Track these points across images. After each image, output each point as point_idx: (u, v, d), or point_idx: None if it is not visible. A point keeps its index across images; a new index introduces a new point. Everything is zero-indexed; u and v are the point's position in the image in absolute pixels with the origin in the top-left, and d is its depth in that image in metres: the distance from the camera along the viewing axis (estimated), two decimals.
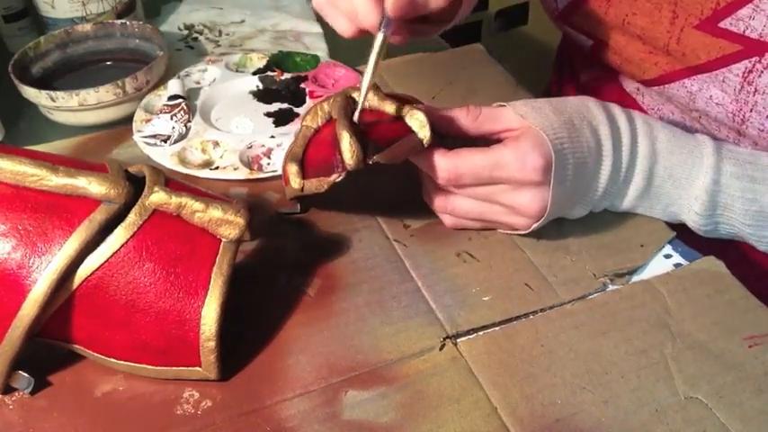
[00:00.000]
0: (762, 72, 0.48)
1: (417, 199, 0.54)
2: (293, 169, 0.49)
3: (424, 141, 0.47)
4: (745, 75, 0.49)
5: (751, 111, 0.49)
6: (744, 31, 0.48)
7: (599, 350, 0.45)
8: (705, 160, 0.48)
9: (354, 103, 0.49)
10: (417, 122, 0.47)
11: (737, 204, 0.49)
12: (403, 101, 0.50)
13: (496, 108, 0.49)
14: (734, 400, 0.42)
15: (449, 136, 0.49)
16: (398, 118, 0.48)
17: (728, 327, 0.46)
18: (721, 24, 0.49)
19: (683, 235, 0.53)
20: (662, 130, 0.50)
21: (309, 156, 0.50)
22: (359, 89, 0.50)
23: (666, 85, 0.55)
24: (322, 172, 0.48)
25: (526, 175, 0.46)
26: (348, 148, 0.45)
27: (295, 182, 0.49)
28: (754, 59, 0.48)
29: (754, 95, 0.49)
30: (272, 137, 0.63)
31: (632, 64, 0.57)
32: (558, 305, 0.48)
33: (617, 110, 0.50)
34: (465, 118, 0.48)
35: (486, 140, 0.49)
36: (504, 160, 0.46)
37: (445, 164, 0.47)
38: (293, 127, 0.64)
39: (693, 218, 0.50)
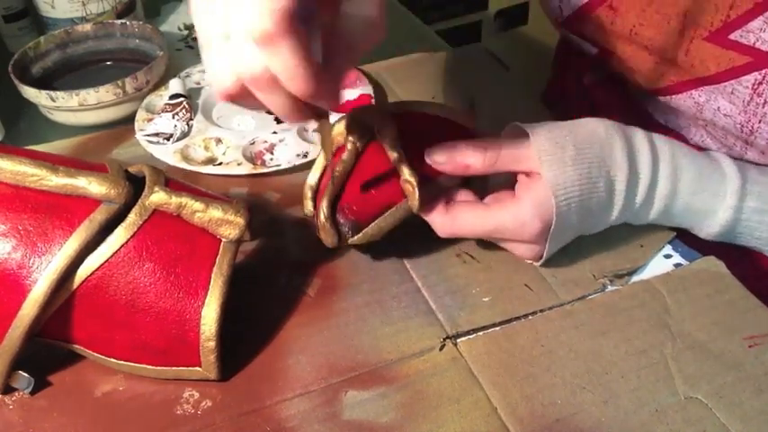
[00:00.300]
0: None
1: None
2: (308, 194, 0.51)
3: (414, 209, 0.46)
4: (755, 87, 0.48)
5: (760, 122, 0.49)
6: (754, 44, 0.47)
7: (599, 350, 0.45)
8: (728, 200, 0.48)
9: (367, 128, 0.48)
10: (408, 188, 0.46)
11: (756, 233, 0.49)
12: (407, 149, 0.47)
13: (517, 148, 0.47)
14: (734, 400, 0.42)
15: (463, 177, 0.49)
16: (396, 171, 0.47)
17: (728, 327, 0.46)
18: (731, 36, 0.49)
19: (683, 235, 0.53)
20: (687, 170, 0.48)
21: (320, 189, 0.51)
22: (371, 112, 0.49)
23: (674, 96, 0.55)
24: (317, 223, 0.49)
25: (522, 237, 0.47)
26: (323, 232, 0.47)
27: (308, 208, 0.51)
28: (764, 71, 0.48)
29: (763, 107, 0.48)
30: (275, 132, 0.63)
31: (639, 74, 0.57)
32: (558, 305, 0.48)
33: (643, 151, 0.48)
34: (481, 163, 0.47)
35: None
36: (503, 226, 0.46)
37: (442, 223, 0.47)
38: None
39: (706, 236, 0.51)
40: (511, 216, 0.46)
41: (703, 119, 0.54)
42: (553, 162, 0.46)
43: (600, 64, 0.62)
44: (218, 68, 0.37)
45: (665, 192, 0.48)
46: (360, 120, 0.49)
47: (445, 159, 0.47)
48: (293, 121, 0.40)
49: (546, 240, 0.47)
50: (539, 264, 0.50)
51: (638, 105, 0.63)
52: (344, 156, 0.48)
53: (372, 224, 0.47)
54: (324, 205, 0.46)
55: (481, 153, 0.46)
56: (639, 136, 0.49)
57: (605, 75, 0.67)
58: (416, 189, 0.45)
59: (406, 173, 0.46)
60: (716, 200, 0.48)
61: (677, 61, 0.53)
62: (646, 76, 0.56)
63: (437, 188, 0.48)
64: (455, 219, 0.47)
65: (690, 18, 0.51)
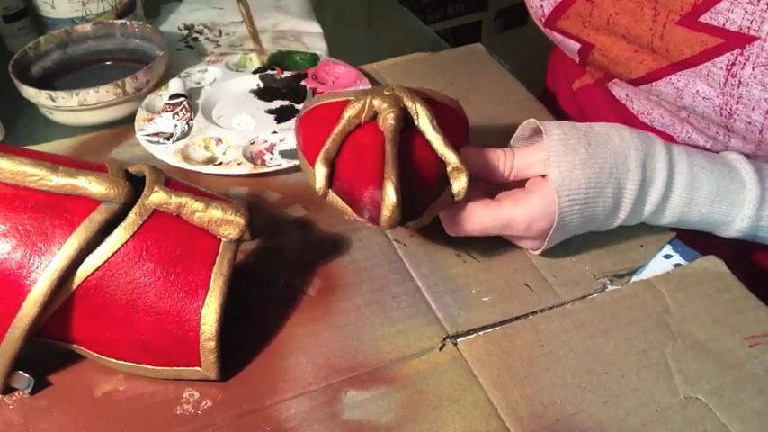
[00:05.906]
0: (744, 64, 0.48)
1: None
2: (322, 172, 0.44)
3: (456, 199, 0.45)
4: (729, 67, 0.49)
5: (737, 103, 0.49)
6: (724, 24, 0.48)
7: (599, 350, 0.45)
8: (745, 210, 0.48)
9: (406, 117, 0.45)
10: (459, 185, 0.44)
11: None
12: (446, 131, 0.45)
13: (529, 153, 0.47)
14: (734, 400, 0.42)
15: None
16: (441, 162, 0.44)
17: (728, 326, 0.46)
18: (701, 19, 0.49)
19: (683, 235, 0.53)
20: (705, 182, 0.48)
21: (342, 161, 0.45)
22: (413, 96, 0.46)
23: (654, 83, 0.55)
24: (348, 198, 0.43)
25: (529, 234, 0.47)
26: (389, 207, 0.40)
27: (320, 185, 0.44)
28: (735, 52, 0.48)
29: (738, 88, 0.49)
30: (275, 132, 0.63)
31: (619, 64, 0.57)
32: (558, 305, 0.48)
33: (660, 160, 0.47)
34: (500, 175, 0.48)
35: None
36: (514, 222, 0.46)
37: (454, 222, 0.47)
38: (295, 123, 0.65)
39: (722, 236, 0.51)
40: (522, 211, 0.46)
41: (684, 106, 0.54)
42: (561, 163, 0.46)
43: (583, 62, 0.63)
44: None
45: (680, 201, 0.48)
46: (395, 102, 0.45)
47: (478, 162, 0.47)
48: None
49: (546, 237, 0.47)
50: (537, 253, 0.50)
51: (623, 108, 0.64)
52: (390, 116, 0.43)
53: (424, 213, 0.44)
54: (389, 173, 0.41)
55: (501, 159, 0.48)
56: (658, 146, 0.48)
57: (591, 80, 0.67)
58: (466, 177, 0.44)
59: (453, 159, 0.44)
60: (732, 210, 0.48)
61: (653, 47, 0.53)
62: (625, 66, 0.57)
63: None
64: (469, 217, 0.47)
65: (661, 3, 0.51)
